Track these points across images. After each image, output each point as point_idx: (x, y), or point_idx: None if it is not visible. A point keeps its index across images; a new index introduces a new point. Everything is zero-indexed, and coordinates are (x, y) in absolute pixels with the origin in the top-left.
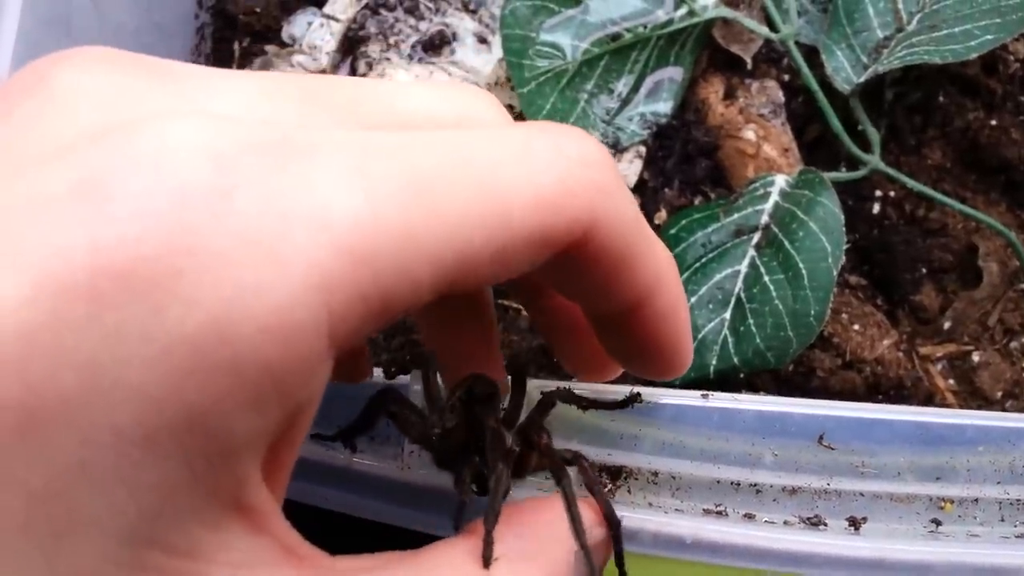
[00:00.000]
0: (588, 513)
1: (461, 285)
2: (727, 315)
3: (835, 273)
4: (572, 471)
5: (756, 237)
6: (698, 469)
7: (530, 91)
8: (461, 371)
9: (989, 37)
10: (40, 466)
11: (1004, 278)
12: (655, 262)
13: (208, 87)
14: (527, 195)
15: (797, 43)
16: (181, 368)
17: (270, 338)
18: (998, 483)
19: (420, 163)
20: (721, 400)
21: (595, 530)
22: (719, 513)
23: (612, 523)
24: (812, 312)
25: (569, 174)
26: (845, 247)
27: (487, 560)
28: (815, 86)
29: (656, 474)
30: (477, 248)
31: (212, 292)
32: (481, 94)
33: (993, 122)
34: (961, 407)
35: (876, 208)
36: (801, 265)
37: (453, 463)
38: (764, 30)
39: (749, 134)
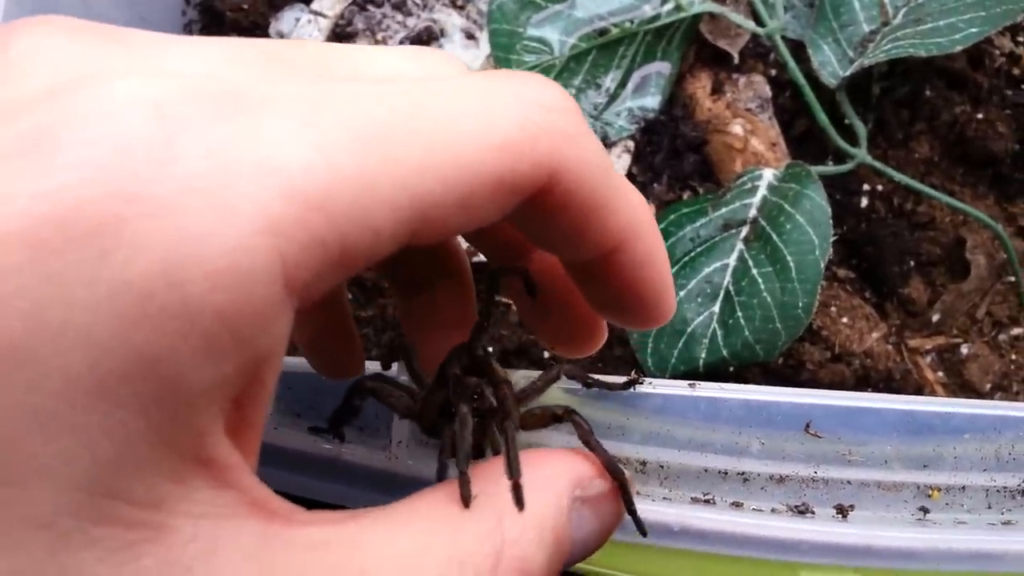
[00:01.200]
0: (587, 467)
1: (426, 234)
2: (716, 308)
3: (823, 265)
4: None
5: (744, 231)
6: (686, 458)
7: None
8: (443, 337)
9: (974, 30)
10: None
11: (992, 270)
12: (628, 207)
13: (168, 51)
14: (487, 141)
15: (784, 38)
16: (128, 313)
17: (220, 283)
18: (984, 470)
19: (374, 112)
20: (708, 389)
21: (595, 482)
22: (707, 501)
23: (615, 474)
24: (800, 304)
25: (530, 119)
26: (833, 240)
27: (466, 500)
28: (802, 80)
29: (644, 463)
30: (438, 196)
31: (156, 238)
32: (447, 56)
33: (980, 116)
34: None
35: (864, 202)
36: (789, 258)
37: (438, 428)
38: (751, 25)
39: (736, 128)
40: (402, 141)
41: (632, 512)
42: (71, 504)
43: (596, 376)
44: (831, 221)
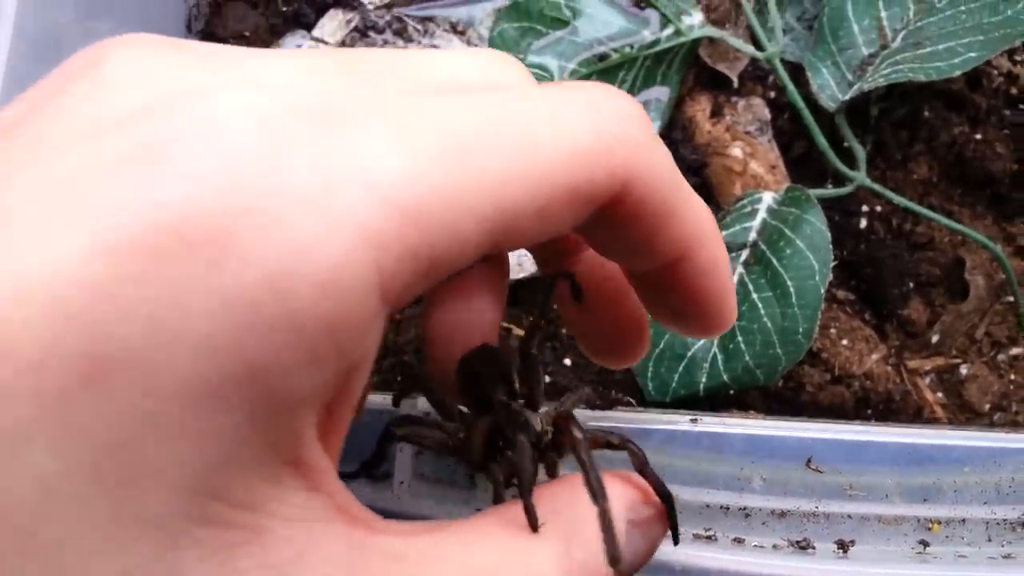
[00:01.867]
0: (636, 492)
1: (505, 243)
2: None
3: (823, 290)
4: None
5: (744, 255)
6: (688, 494)
7: None
8: (466, 330)
9: (972, 54)
10: (106, 416)
11: (991, 291)
12: (694, 215)
13: (255, 63)
14: (565, 151)
15: (783, 61)
16: (240, 322)
17: (325, 295)
18: (985, 503)
19: (459, 124)
20: (710, 424)
21: (644, 507)
22: (709, 538)
23: (664, 498)
24: (800, 330)
25: (605, 129)
26: (833, 264)
27: (534, 526)
28: (800, 104)
29: None
30: (520, 205)
31: (265, 249)
32: (506, 57)
33: (978, 136)
34: (950, 420)
35: (863, 223)
36: (789, 283)
37: (485, 460)
38: (750, 49)
39: (736, 151)
40: (486, 153)
41: (674, 529)
42: (180, 505)
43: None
44: (831, 246)
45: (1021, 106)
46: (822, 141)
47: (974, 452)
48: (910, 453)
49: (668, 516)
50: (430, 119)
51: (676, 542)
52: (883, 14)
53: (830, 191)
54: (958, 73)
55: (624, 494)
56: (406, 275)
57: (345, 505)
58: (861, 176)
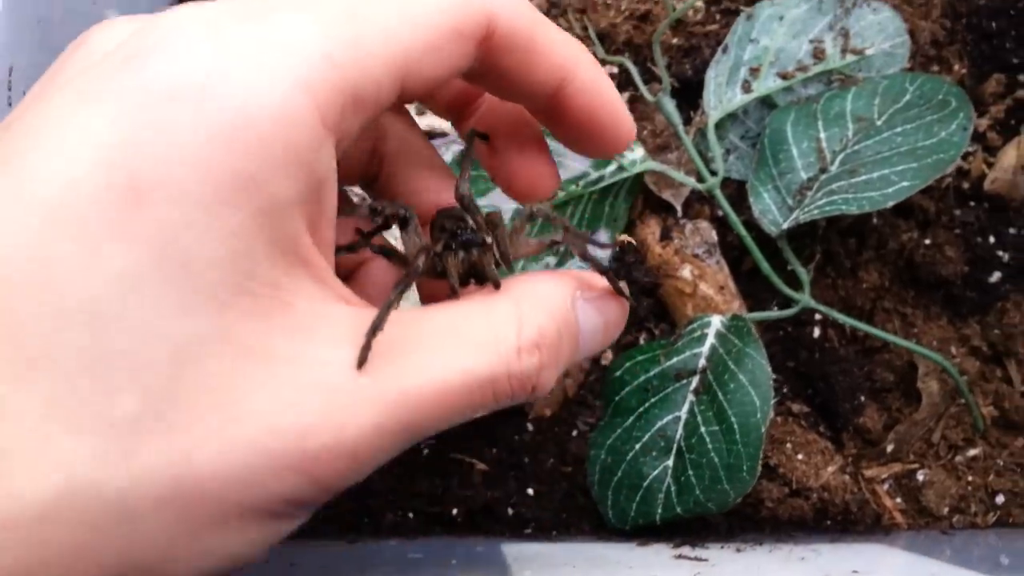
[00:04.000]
0: (586, 278)
1: (413, 82)
2: (670, 463)
3: (763, 429)
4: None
5: (695, 382)
6: None
7: None
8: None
9: (905, 184)
10: (153, 223)
11: (945, 395)
12: (563, 44)
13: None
14: (440, 2)
15: (729, 178)
16: (225, 146)
17: (280, 123)
18: None
19: (353, 10)
20: None
21: (594, 288)
22: None
23: (607, 276)
24: (745, 467)
25: None
26: (786, 373)
27: (496, 282)
28: (743, 231)
29: None
30: (412, 46)
31: (231, 96)
32: None
33: (927, 241)
34: (909, 526)
35: (816, 331)
36: (733, 419)
37: (443, 252)
38: (691, 181)
39: (686, 273)
40: (376, 10)
41: (621, 292)
42: (224, 283)
43: (572, 226)
44: (771, 383)
45: (972, 203)
46: (765, 266)
47: None
48: None
49: (616, 292)
50: (347, 7)
51: (624, 295)
52: (822, 135)
53: (776, 313)
54: (890, 204)
55: (573, 278)
56: (338, 109)
57: (346, 296)
58: (806, 298)
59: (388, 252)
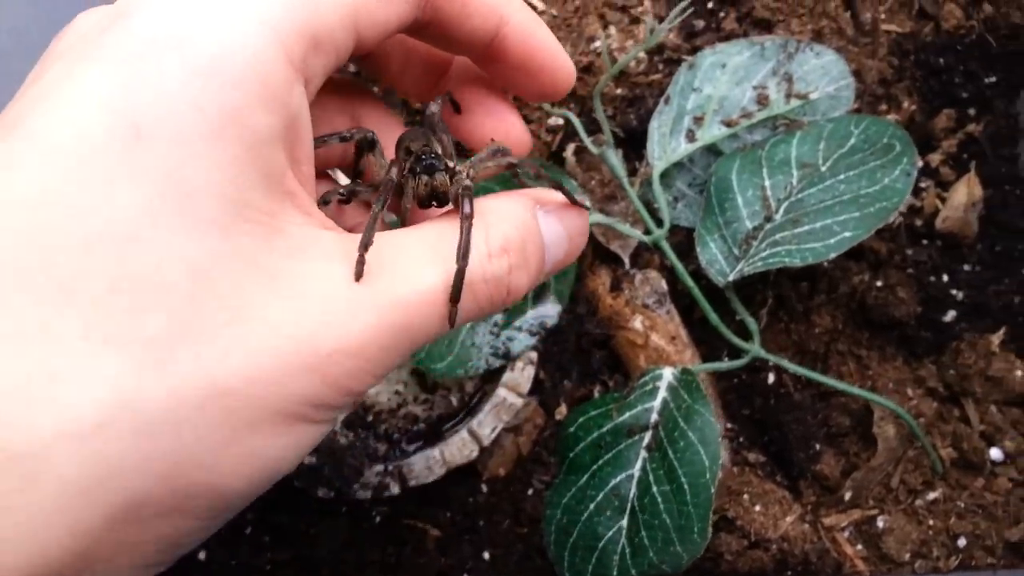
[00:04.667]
0: (545, 195)
1: (366, 28)
2: (624, 523)
3: (713, 490)
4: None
5: (647, 437)
6: None
7: None
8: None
9: (847, 234)
10: (154, 158)
11: (902, 439)
12: None
13: None
14: None
15: (678, 226)
16: (209, 84)
17: (253, 63)
18: None
19: None
20: None
21: (553, 203)
22: None
23: (563, 191)
24: (696, 529)
25: None
26: (742, 421)
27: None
28: (691, 282)
29: None
30: None
31: (207, 43)
32: None
33: (879, 283)
34: (872, 573)
35: (771, 377)
36: (683, 479)
37: (406, 177)
38: (637, 234)
39: (637, 324)
40: None
41: (576, 201)
42: (225, 209)
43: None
44: (720, 440)
45: (924, 241)
46: (714, 317)
47: None
48: None
49: (573, 202)
50: None
51: (575, 203)
52: (767, 183)
53: (727, 364)
54: (832, 256)
55: (532, 194)
56: (302, 49)
57: (329, 225)
58: (755, 348)
59: (356, 191)
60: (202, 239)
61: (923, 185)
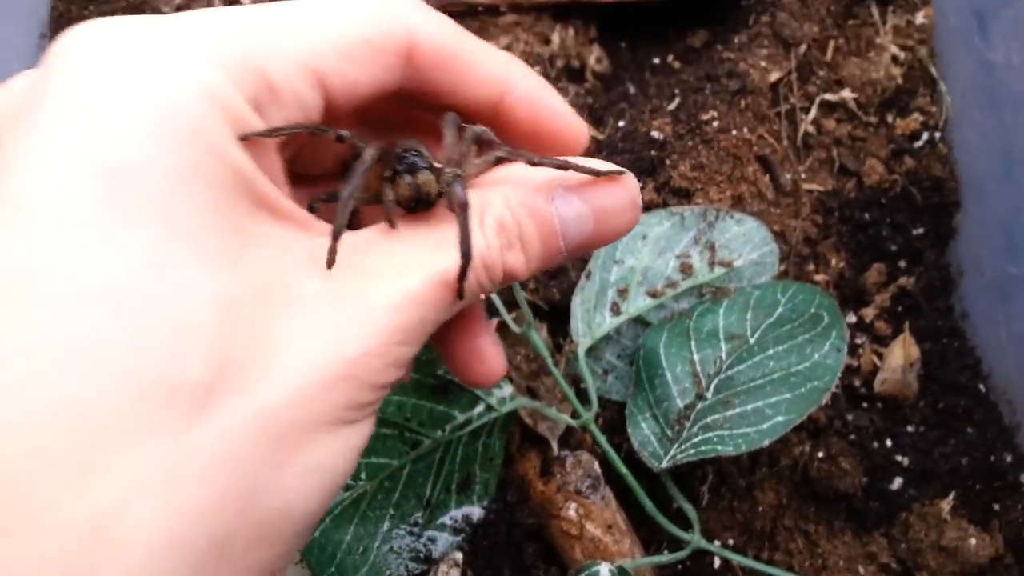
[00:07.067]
0: (564, 173)
1: (336, 91)
2: None
3: None
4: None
5: None
6: None
7: (325, 528)
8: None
9: (780, 419)
10: (141, 201)
11: None
12: (492, 56)
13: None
14: (347, 13)
15: (610, 401)
16: (165, 113)
17: (215, 102)
18: None
19: (270, 12)
20: None
21: (574, 181)
22: None
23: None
24: None
25: (378, 2)
26: None
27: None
28: (623, 469)
29: None
30: (326, 51)
31: (153, 73)
32: None
33: (820, 453)
34: None
35: (716, 562)
36: None
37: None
38: (564, 418)
39: (571, 513)
40: (293, 22)
41: (599, 173)
42: (228, 238)
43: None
44: None
45: (865, 404)
46: (650, 506)
47: None
48: None
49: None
50: (246, 16)
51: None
52: (696, 357)
53: (667, 557)
54: (767, 442)
55: (548, 172)
56: (248, 82)
57: (304, 220)
58: (696, 538)
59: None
60: (216, 273)
61: (859, 342)
